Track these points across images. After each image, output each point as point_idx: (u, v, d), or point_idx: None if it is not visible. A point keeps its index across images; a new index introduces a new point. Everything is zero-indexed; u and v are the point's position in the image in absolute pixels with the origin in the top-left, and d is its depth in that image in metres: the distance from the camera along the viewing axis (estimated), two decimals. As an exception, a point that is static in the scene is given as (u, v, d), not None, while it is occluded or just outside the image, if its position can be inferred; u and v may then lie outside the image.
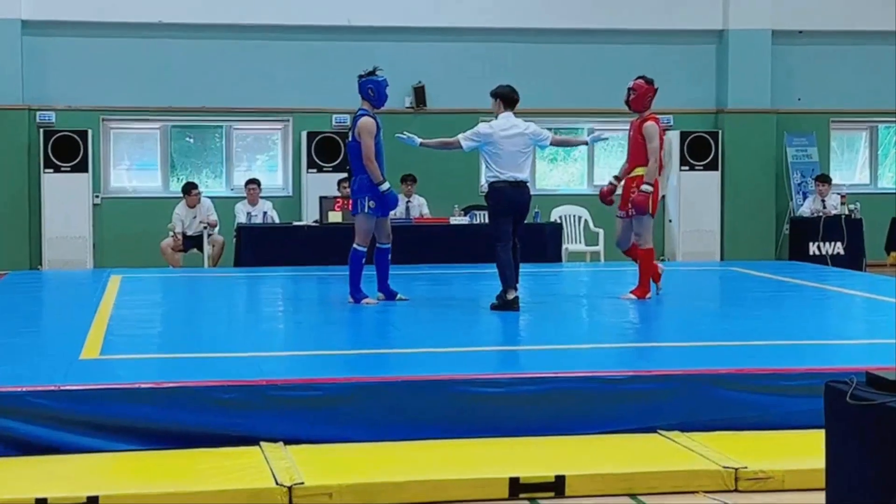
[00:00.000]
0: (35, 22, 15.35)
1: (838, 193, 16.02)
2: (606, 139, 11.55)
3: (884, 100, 16.98)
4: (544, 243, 14.02)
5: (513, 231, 9.43)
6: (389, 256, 9.80)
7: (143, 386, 6.20)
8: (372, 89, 9.48)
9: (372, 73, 9.58)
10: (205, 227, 14.54)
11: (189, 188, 14.86)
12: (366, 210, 9.40)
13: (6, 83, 15.26)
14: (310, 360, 7.28)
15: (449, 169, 15.95)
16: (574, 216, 15.69)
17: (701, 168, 16.47)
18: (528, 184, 9.51)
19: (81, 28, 15.52)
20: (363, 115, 9.44)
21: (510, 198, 9.32)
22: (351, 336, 8.56)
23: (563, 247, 14.71)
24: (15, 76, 15.30)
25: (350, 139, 9.65)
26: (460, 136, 9.76)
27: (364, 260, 9.55)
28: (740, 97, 16.70)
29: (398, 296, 9.78)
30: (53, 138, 15.16)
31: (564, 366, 6.80)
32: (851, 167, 17.80)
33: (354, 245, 9.51)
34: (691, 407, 6.45)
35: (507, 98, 9.64)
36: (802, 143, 16.88)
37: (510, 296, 9.26)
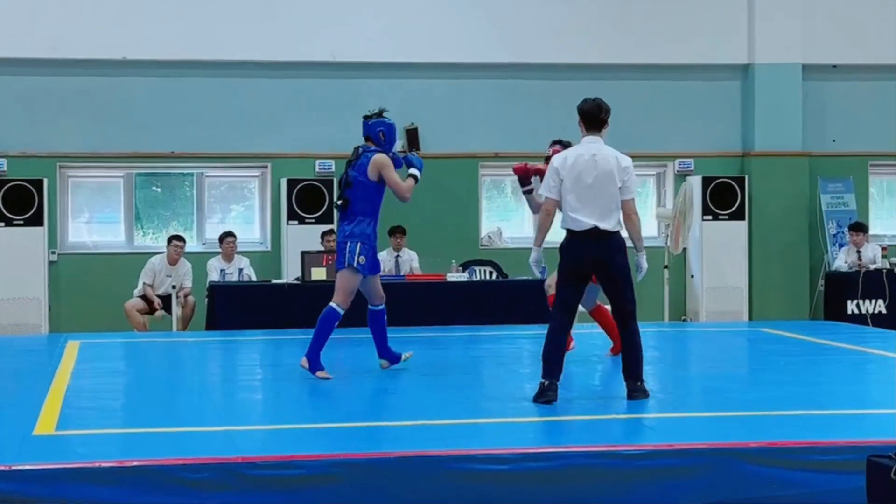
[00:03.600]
0: (-15, 60, 15.44)
1: (879, 244, 16.04)
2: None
3: (929, 141, 17.06)
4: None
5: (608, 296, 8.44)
6: (386, 318, 9.65)
7: (104, 465, 6.17)
8: (383, 132, 9.46)
9: (379, 114, 9.55)
10: (176, 290, 14.51)
11: (173, 238, 14.88)
12: (354, 264, 9.22)
13: (-47, 128, 15.34)
14: (290, 435, 7.26)
15: (444, 221, 15.98)
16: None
17: (726, 217, 16.50)
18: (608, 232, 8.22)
19: (36, 66, 15.58)
20: (371, 151, 9.40)
21: (574, 251, 8.22)
22: (336, 407, 8.53)
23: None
24: (-38, 120, 15.39)
25: (350, 177, 9.41)
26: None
27: (337, 323, 9.33)
28: (768, 138, 16.77)
29: (403, 356, 9.72)
30: (5, 188, 15.19)
31: (576, 440, 6.79)
32: (893, 215, 17.84)
33: (332, 304, 9.29)
34: (717, 485, 6.43)
35: (586, 115, 8.64)
36: (838, 188, 16.92)
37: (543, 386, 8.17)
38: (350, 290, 9.30)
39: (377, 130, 9.44)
